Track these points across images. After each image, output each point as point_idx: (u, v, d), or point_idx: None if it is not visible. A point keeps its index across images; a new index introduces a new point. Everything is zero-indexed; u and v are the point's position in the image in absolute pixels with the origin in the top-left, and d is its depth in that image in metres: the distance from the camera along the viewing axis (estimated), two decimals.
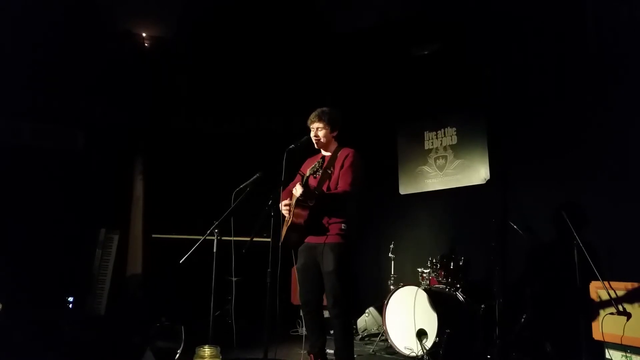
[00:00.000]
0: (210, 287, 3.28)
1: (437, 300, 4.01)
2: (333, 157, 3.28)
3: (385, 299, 4.36)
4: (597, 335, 3.26)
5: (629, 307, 3.10)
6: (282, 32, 5.45)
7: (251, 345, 4.14)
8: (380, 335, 4.62)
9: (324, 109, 3.35)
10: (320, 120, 3.30)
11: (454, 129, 5.44)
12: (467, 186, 5.20)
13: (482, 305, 3.97)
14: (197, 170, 5.83)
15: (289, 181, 3.31)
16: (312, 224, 3.14)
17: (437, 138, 5.58)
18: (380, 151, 5.81)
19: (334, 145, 3.37)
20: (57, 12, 4.99)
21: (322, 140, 3.32)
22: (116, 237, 5.23)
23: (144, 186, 5.92)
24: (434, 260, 4.51)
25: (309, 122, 3.35)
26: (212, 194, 4.44)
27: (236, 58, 5.80)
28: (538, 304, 3.88)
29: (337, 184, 3.18)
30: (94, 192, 5.38)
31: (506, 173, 4.63)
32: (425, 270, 4.54)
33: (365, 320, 5.10)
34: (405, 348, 4.11)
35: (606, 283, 3.16)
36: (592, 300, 3.35)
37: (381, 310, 4.45)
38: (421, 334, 3.99)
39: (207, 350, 2.28)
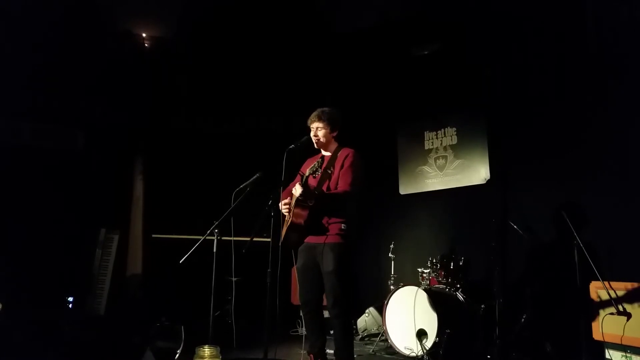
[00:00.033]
0: (210, 287, 3.28)
1: (437, 300, 4.01)
2: (333, 157, 3.28)
3: (385, 299, 4.36)
4: (597, 335, 3.25)
5: (629, 307, 3.10)
6: (282, 32, 5.46)
7: (251, 345, 4.13)
8: (380, 335, 4.61)
9: (324, 108, 3.35)
10: (320, 120, 3.30)
11: (454, 129, 5.44)
12: (467, 186, 5.20)
13: (482, 305, 3.97)
14: (197, 170, 5.82)
15: (289, 181, 3.30)
16: (312, 223, 3.13)
17: (437, 138, 5.58)
18: (380, 151, 5.81)
19: (334, 145, 3.37)
20: (57, 12, 4.99)
21: (321, 140, 3.32)
22: (116, 237, 5.23)
23: (144, 186, 5.92)
24: (434, 260, 4.51)
25: (309, 121, 3.35)
26: (212, 194, 4.44)
27: (236, 58, 5.80)
28: (538, 304, 3.88)
29: (337, 184, 3.18)
30: (94, 192, 5.38)
31: (506, 173, 4.62)
32: (425, 270, 4.53)
33: (365, 320, 5.10)
34: (405, 348, 4.11)
35: (606, 283, 3.16)
36: (592, 300, 3.35)
37: (381, 310, 4.45)
38: (421, 334, 3.99)
39: (207, 350, 2.28)
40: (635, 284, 3.14)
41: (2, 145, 5.13)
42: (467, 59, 5.15)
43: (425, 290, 4.09)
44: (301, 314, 3.37)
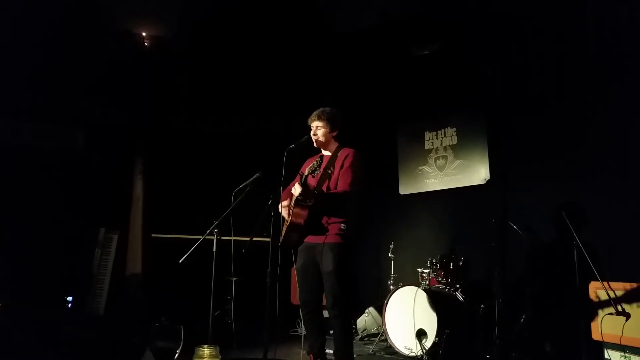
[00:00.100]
0: (210, 287, 3.27)
1: (436, 300, 4.00)
2: (333, 157, 3.28)
3: (385, 299, 4.36)
4: (596, 335, 3.25)
5: (628, 308, 3.10)
6: (282, 32, 5.46)
7: (251, 345, 4.13)
8: (379, 335, 4.62)
9: (325, 108, 3.35)
10: (319, 119, 3.30)
11: (454, 129, 5.44)
12: (467, 186, 5.20)
13: (482, 305, 3.97)
14: (197, 170, 5.83)
15: (289, 181, 3.30)
16: (311, 223, 3.13)
17: (437, 138, 5.58)
18: (380, 151, 5.81)
19: (334, 145, 3.37)
20: (57, 12, 4.99)
21: (320, 139, 3.32)
22: (116, 237, 5.23)
23: (144, 186, 5.92)
24: (434, 260, 4.51)
25: (309, 120, 3.36)
26: (212, 194, 4.44)
27: (236, 58, 5.80)
28: (538, 304, 3.88)
29: (337, 183, 3.18)
30: (93, 192, 5.38)
31: (506, 173, 4.62)
32: (425, 270, 4.53)
33: (365, 320, 5.10)
34: (404, 348, 4.11)
35: (605, 283, 3.16)
36: (592, 300, 3.35)
37: (381, 310, 4.45)
38: (421, 334, 3.99)
39: (206, 350, 2.27)
40: (634, 284, 3.14)
41: (2, 145, 5.13)
42: (467, 59, 5.15)
43: (425, 290, 4.09)
44: (301, 314, 3.37)
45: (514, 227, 3.91)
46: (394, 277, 4.79)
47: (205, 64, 5.87)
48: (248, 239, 3.28)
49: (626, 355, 3.12)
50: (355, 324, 5.08)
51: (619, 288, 3.18)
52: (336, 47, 5.70)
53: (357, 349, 4.38)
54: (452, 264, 4.40)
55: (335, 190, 3.16)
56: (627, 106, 3.94)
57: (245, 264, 3.55)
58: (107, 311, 4.94)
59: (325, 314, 3.42)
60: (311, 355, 3.22)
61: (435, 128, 5.60)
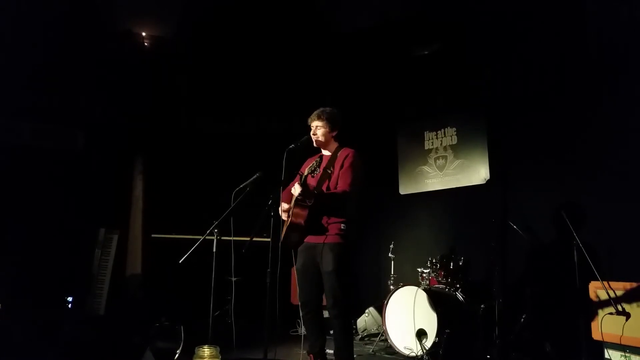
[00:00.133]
0: (210, 287, 3.27)
1: (436, 300, 4.00)
2: (333, 157, 3.28)
3: (385, 299, 4.36)
4: (596, 335, 3.26)
5: (628, 307, 3.10)
6: (282, 32, 5.46)
7: (251, 345, 4.13)
8: (380, 335, 4.61)
9: (325, 108, 3.35)
10: (319, 119, 3.30)
11: (454, 129, 5.44)
12: (467, 186, 5.21)
13: (482, 305, 3.97)
14: (197, 170, 5.83)
15: (288, 181, 3.30)
16: (311, 223, 3.13)
17: (437, 138, 5.58)
18: (380, 151, 5.81)
19: (334, 145, 3.37)
20: (57, 12, 4.99)
21: (320, 138, 3.32)
22: (116, 237, 5.22)
23: (144, 186, 5.92)
24: (434, 260, 4.51)
25: (309, 120, 3.36)
26: (212, 194, 4.44)
27: (236, 58, 5.80)
28: (538, 304, 3.88)
29: (337, 183, 3.18)
30: (93, 192, 5.37)
31: (506, 173, 4.62)
32: (425, 270, 4.54)
33: (365, 320, 5.10)
34: (405, 348, 4.11)
35: (605, 283, 3.15)
36: (592, 300, 3.35)
37: (381, 310, 4.45)
38: (421, 334, 3.99)
39: (206, 350, 2.27)
40: (634, 284, 3.14)
41: (2, 145, 5.13)
42: (467, 59, 5.15)
43: (425, 290, 4.09)
44: (301, 314, 3.37)
45: (514, 227, 3.91)
46: (394, 277, 4.79)
47: (206, 64, 5.87)
48: (248, 239, 3.28)
49: (626, 355, 3.12)
50: (356, 324, 5.08)
51: (619, 288, 3.18)
52: (336, 47, 5.70)
53: (357, 349, 4.38)
54: (452, 264, 4.41)
55: (335, 190, 3.16)
56: (627, 106, 3.94)
57: (245, 264, 3.55)
58: (107, 311, 4.93)
59: (326, 314, 3.42)
60: (311, 355, 3.22)
61: (435, 128, 5.60)
